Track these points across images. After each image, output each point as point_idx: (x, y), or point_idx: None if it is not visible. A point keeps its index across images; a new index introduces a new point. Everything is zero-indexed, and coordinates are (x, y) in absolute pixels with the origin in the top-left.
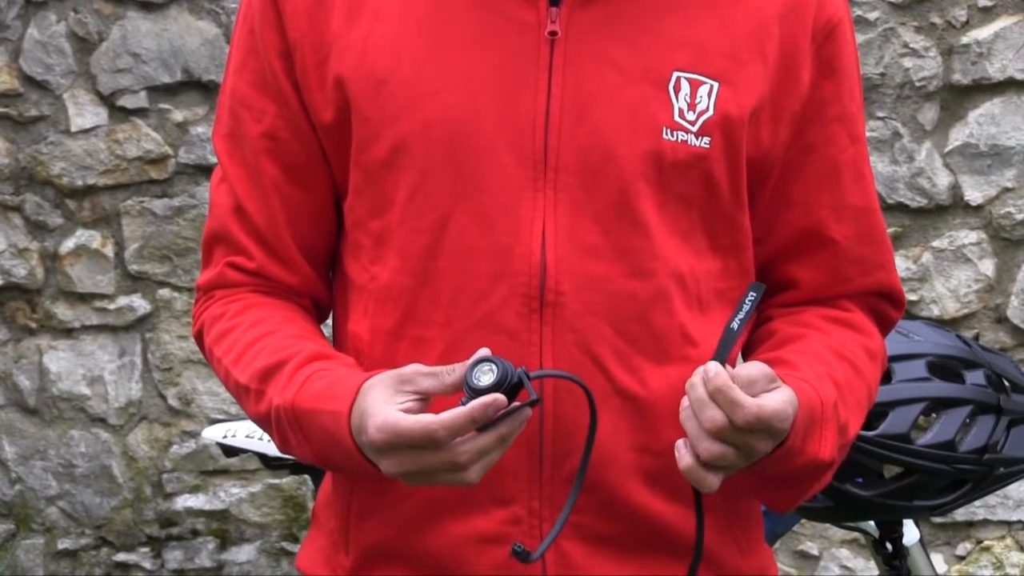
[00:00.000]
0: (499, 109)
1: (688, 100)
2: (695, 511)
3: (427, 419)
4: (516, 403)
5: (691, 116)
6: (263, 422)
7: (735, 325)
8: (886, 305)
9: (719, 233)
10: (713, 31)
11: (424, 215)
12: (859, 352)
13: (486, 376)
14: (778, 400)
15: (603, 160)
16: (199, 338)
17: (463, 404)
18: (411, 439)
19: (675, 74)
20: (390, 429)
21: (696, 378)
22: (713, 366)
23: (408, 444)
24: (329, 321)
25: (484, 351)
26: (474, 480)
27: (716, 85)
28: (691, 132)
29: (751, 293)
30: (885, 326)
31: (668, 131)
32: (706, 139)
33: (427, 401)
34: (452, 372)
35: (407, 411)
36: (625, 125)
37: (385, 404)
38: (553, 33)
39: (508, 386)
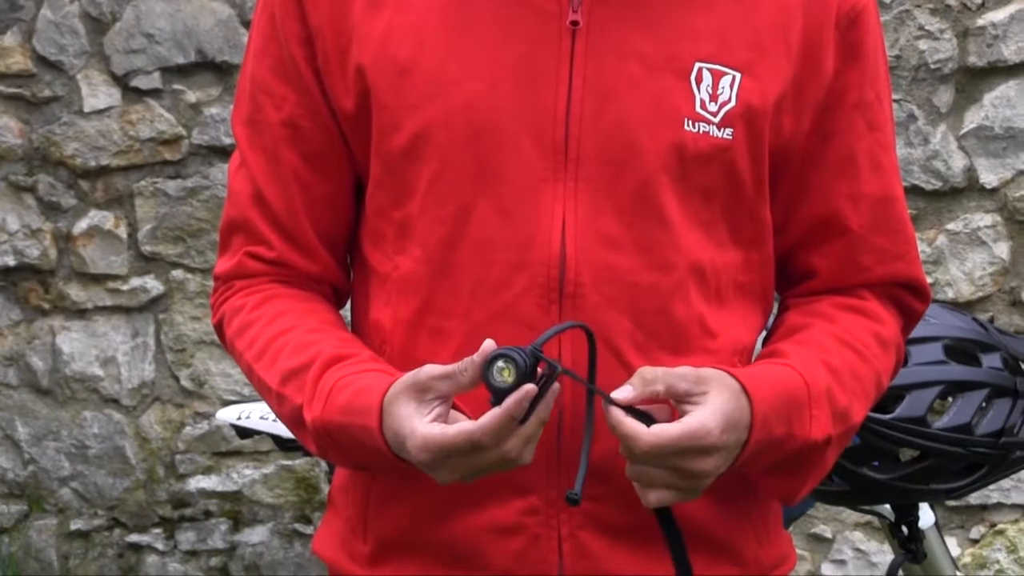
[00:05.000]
0: (520, 99)
1: (710, 91)
2: (663, 531)
3: (469, 428)
4: (543, 383)
5: (713, 107)
6: (286, 422)
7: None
8: (908, 296)
9: (740, 225)
10: (736, 21)
11: (444, 205)
12: (867, 338)
13: (505, 373)
14: (690, 420)
15: (624, 151)
16: (219, 328)
17: (493, 405)
18: (457, 450)
19: (697, 65)
20: (434, 447)
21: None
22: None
23: (456, 454)
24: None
25: (489, 343)
26: (528, 461)
27: (739, 76)
28: (713, 123)
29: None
30: (909, 318)
31: (690, 122)
32: (728, 130)
33: (450, 401)
34: (465, 372)
35: (437, 418)
36: (647, 116)
37: (415, 420)
38: (575, 23)
39: (529, 374)
